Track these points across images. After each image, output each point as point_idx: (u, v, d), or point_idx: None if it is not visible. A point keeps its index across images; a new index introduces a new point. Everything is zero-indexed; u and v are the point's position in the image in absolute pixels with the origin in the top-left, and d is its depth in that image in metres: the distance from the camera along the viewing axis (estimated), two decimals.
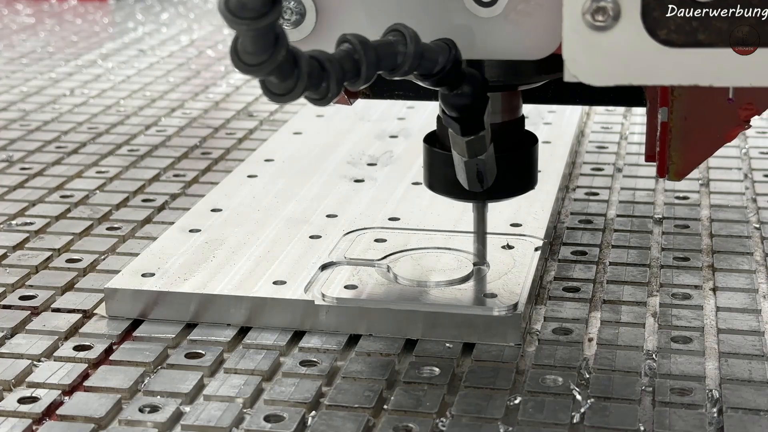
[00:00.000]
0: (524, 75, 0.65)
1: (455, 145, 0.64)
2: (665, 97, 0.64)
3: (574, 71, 0.52)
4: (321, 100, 0.51)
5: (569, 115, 1.07)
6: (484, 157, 0.64)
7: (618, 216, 0.86)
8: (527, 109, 1.10)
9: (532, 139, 0.69)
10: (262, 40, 0.47)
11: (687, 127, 0.64)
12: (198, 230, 0.80)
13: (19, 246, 0.82)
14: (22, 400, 0.61)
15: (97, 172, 0.99)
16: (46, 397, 0.62)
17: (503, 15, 0.59)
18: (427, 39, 0.57)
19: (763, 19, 0.51)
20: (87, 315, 0.72)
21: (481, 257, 0.73)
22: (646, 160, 0.68)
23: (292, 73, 0.49)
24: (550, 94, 0.76)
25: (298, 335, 0.68)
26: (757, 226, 0.84)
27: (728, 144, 1.04)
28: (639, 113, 1.14)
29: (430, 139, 0.68)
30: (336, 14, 0.60)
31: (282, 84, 0.49)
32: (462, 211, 0.83)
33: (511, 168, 0.67)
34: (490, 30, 0.59)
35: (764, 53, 0.51)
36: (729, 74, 0.51)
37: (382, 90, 0.75)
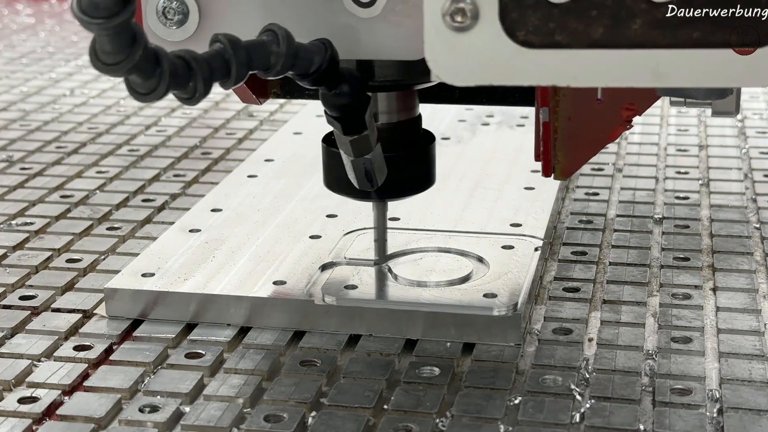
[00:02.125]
0: (414, 75, 0.65)
1: (341, 144, 0.64)
2: (545, 97, 0.64)
3: (436, 71, 0.53)
4: (190, 99, 0.52)
5: None
6: (370, 157, 0.64)
7: (618, 216, 0.86)
8: (526, 108, 1.11)
9: (428, 138, 0.70)
10: (119, 39, 0.48)
11: (571, 128, 0.65)
12: (198, 230, 0.80)
13: (19, 246, 0.82)
14: (22, 400, 0.61)
15: (97, 172, 0.99)
16: (46, 397, 0.62)
17: (382, 16, 0.60)
18: (308, 39, 0.58)
19: (618, 19, 0.51)
20: (87, 315, 0.72)
21: (381, 256, 0.73)
22: (536, 160, 0.68)
23: (154, 72, 0.50)
24: (457, 94, 0.76)
25: (298, 335, 0.68)
26: (757, 226, 0.84)
27: (728, 144, 1.04)
28: None
29: (328, 140, 0.69)
30: (218, 14, 0.61)
31: (145, 83, 0.50)
32: (462, 211, 0.83)
33: (405, 167, 0.68)
34: (370, 31, 0.60)
35: (618, 54, 0.51)
36: (586, 74, 0.52)
37: (292, 89, 0.75)
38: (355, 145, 0.63)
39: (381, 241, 0.73)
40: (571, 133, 0.65)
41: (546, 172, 0.67)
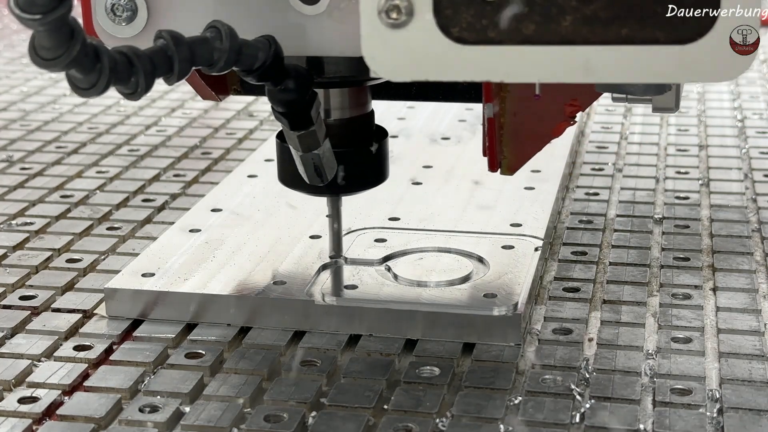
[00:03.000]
0: (362, 71, 0.64)
1: (289, 139, 0.65)
2: (489, 93, 0.65)
3: (374, 67, 0.54)
4: (132, 94, 0.53)
5: None
6: (319, 152, 0.65)
7: (618, 216, 0.86)
8: None
9: (381, 134, 0.71)
10: (57, 34, 0.48)
11: (516, 123, 0.66)
12: (198, 230, 0.80)
13: (19, 246, 0.82)
14: (22, 400, 0.61)
15: (97, 172, 0.99)
16: (46, 397, 0.62)
17: (327, 13, 0.60)
18: (255, 36, 0.58)
19: (548, 16, 0.52)
20: (87, 315, 0.72)
21: (337, 252, 0.74)
22: (483, 155, 0.68)
23: (93, 67, 0.50)
24: (414, 91, 0.77)
25: (298, 335, 0.68)
26: (757, 226, 0.84)
27: (728, 144, 1.04)
28: (639, 113, 1.14)
29: (281, 135, 0.69)
30: (167, 11, 0.61)
31: (85, 78, 0.51)
32: (462, 211, 0.83)
33: (356, 162, 0.69)
34: (315, 27, 0.61)
35: (550, 50, 0.52)
36: (518, 70, 0.53)
37: (253, 87, 0.75)
38: (302, 141, 0.64)
39: (336, 236, 0.74)
40: (516, 128, 0.66)
41: (492, 167, 0.67)
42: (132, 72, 0.52)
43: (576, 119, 0.67)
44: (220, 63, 0.56)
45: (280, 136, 0.69)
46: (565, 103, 0.66)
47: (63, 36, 0.48)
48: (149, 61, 0.53)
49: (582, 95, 0.66)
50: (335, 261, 0.75)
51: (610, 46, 0.52)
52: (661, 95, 0.66)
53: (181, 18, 0.61)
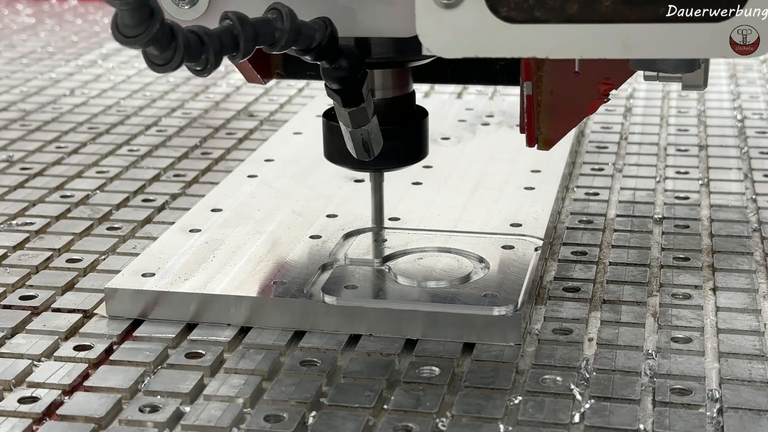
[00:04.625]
0: (409, 52, 0.70)
1: (340, 116, 0.69)
2: (528, 72, 0.69)
3: (427, 45, 0.58)
4: (202, 70, 0.56)
5: None
6: (367, 128, 0.69)
7: (618, 216, 0.86)
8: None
9: (422, 113, 0.74)
10: (138, 14, 0.52)
11: (553, 101, 0.70)
12: (198, 230, 0.80)
13: (20, 246, 0.82)
14: (22, 400, 0.61)
15: (98, 172, 0.99)
16: (47, 397, 0.62)
17: None
18: (309, 18, 0.61)
19: None
20: (87, 315, 0.72)
21: (378, 224, 0.78)
22: (521, 132, 0.73)
23: (169, 44, 0.54)
24: (449, 74, 0.81)
25: (298, 335, 0.68)
26: (757, 226, 0.84)
27: (728, 144, 1.04)
28: (638, 114, 1.14)
29: (328, 114, 0.74)
30: None
31: (161, 55, 0.54)
32: (462, 211, 0.83)
33: (399, 139, 0.73)
34: (366, 9, 0.64)
35: (591, 28, 0.57)
36: (562, 47, 0.57)
37: (295, 70, 0.80)
38: (353, 117, 0.68)
39: (378, 210, 0.78)
40: (552, 106, 0.70)
41: (530, 143, 0.72)
42: (203, 50, 0.55)
43: (609, 97, 0.70)
44: (281, 43, 0.59)
45: (327, 115, 0.73)
46: (599, 81, 0.69)
47: (144, 15, 0.52)
48: (218, 40, 0.56)
49: (616, 73, 0.69)
50: (335, 261, 0.75)
51: (648, 24, 0.56)
52: (691, 73, 0.69)
53: (240, 1, 0.63)
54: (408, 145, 0.74)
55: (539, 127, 0.71)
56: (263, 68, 0.79)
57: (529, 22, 0.57)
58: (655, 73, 0.70)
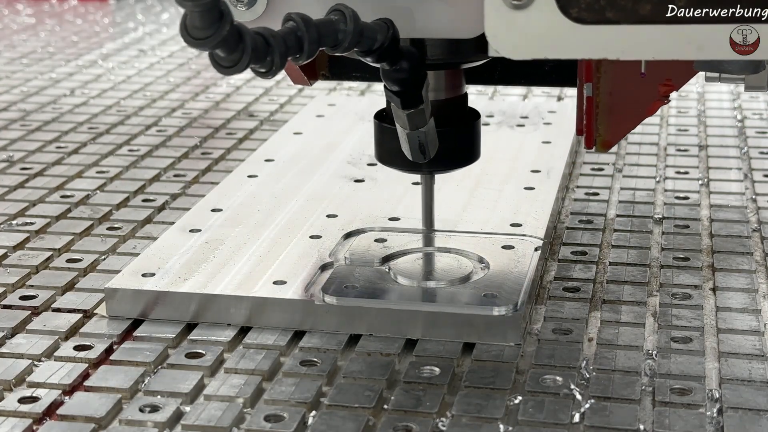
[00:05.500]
0: (465, 54, 0.69)
1: (398, 118, 0.68)
2: (589, 73, 0.69)
3: (495, 46, 0.58)
4: (267, 72, 0.56)
5: (569, 114, 1.07)
6: (425, 129, 0.68)
7: (618, 216, 0.86)
8: (526, 108, 1.11)
9: (474, 115, 0.74)
10: (208, 16, 0.52)
11: (612, 102, 0.70)
12: (198, 230, 0.80)
13: (20, 246, 0.82)
14: (22, 400, 0.61)
15: (98, 172, 0.99)
16: (47, 397, 0.62)
17: None
18: (369, 19, 0.61)
19: None
20: (87, 315, 0.72)
21: (428, 226, 0.77)
22: (577, 134, 0.72)
23: (237, 46, 0.53)
24: (497, 75, 0.81)
25: (298, 335, 0.68)
26: (757, 226, 0.84)
27: (728, 144, 1.04)
28: None
29: (380, 116, 0.73)
30: None
31: (229, 57, 0.54)
32: (462, 211, 0.83)
33: (453, 141, 0.72)
34: (427, 10, 0.63)
35: (663, 29, 0.56)
36: (633, 48, 0.57)
37: (340, 72, 0.80)
38: (411, 119, 0.67)
39: (428, 211, 0.77)
40: (611, 107, 0.70)
41: (588, 144, 0.71)
42: (268, 52, 0.55)
43: (670, 98, 0.70)
44: (343, 44, 0.59)
45: (378, 116, 0.73)
46: (660, 82, 0.69)
47: (214, 17, 0.52)
48: (283, 41, 0.56)
49: (677, 74, 0.69)
50: (335, 261, 0.75)
51: (720, 25, 0.56)
52: (755, 74, 0.69)
53: (297, 2, 0.63)
54: (461, 147, 0.73)
55: (597, 128, 0.70)
56: (309, 69, 0.78)
57: (600, 23, 0.56)
58: (716, 74, 0.70)
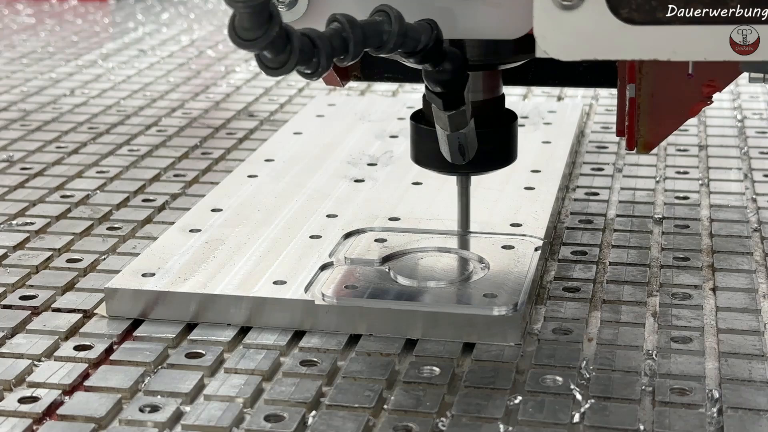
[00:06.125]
0: (504, 54, 0.69)
1: (438, 119, 0.67)
2: (632, 74, 0.68)
3: (544, 47, 0.57)
4: (312, 74, 0.55)
5: (569, 114, 1.07)
6: (465, 131, 0.68)
7: (618, 216, 0.86)
8: (526, 108, 1.11)
9: (511, 117, 0.74)
10: (258, 17, 0.51)
11: (654, 103, 0.69)
12: (198, 230, 0.80)
13: (20, 246, 0.82)
14: (22, 400, 0.61)
15: (98, 172, 0.99)
16: (47, 396, 0.62)
17: None
18: (411, 20, 0.60)
19: None
20: (87, 315, 0.72)
21: (464, 227, 0.77)
22: (617, 135, 0.72)
23: (284, 48, 0.53)
24: (531, 76, 0.80)
25: (298, 335, 0.68)
26: (757, 226, 0.84)
27: (728, 144, 1.04)
28: None
29: (417, 117, 0.73)
30: None
31: (276, 58, 0.53)
32: None
33: (493, 143, 0.72)
34: (470, 11, 0.63)
35: (714, 30, 0.55)
36: (684, 49, 0.56)
37: (372, 72, 0.80)
38: (452, 120, 0.67)
39: (464, 212, 0.77)
40: (653, 108, 0.69)
41: (630, 146, 0.71)
42: (314, 53, 0.55)
43: (713, 100, 0.69)
44: (388, 46, 0.59)
45: (415, 118, 0.73)
46: (703, 83, 0.68)
47: (263, 18, 0.51)
48: (329, 42, 0.55)
49: (721, 75, 0.68)
50: (335, 261, 0.75)
51: None
52: None
53: (338, 3, 0.63)
54: (499, 148, 0.73)
55: (639, 130, 0.70)
56: (341, 70, 0.78)
57: (651, 23, 0.56)
58: (761, 75, 0.70)
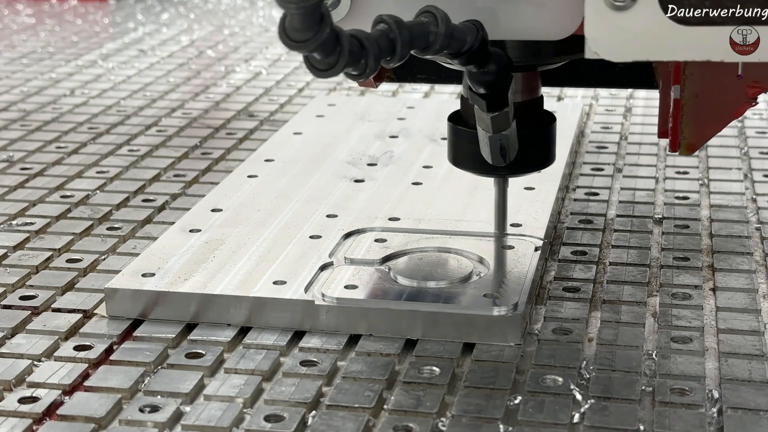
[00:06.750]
0: (545, 55, 0.69)
1: (480, 121, 0.67)
2: (678, 75, 0.68)
3: (595, 48, 0.57)
4: (359, 75, 0.55)
5: (569, 115, 1.07)
6: (507, 133, 0.67)
7: (618, 216, 0.86)
8: None
9: (550, 118, 0.73)
10: (309, 18, 0.50)
11: (698, 105, 0.69)
12: (198, 230, 0.80)
13: (20, 246, 0.82)
14: (22, 400, 0.61)
15: (98, 172, 0.99)
16: (47, 397, 0.62)
17: None
18: (455, 20, 0.60)
19: None
20: (87, 315, 0.72)
21: (501, 229, 0.76)
22: (659, 137, 0.72)
23: (334, 49, 0.52)
24: (566, 77, 0.80)
25: (298, 335, 0.68)
26: (757, 226, 0.84)
27: (728, 144, 1.04)
28: (638, 114, 1.14)
29: (454, 118, 0.72)
30: None
31: (325, 60, 0.53)
32: (462, 211, 0.83)
33: (532, 144, 0.71)
34: (514, 11, 0.62)
35: None
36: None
37: (405, 74, 0.80)
38: (495, 122, 0.66)
39: (501, 214, 0.76)
40: (697, 110, 0.69)
41: (673, 148, 0.70)
42: (362, 54, 0.54)
43: (758, 101, 0.69)
44: (434, 47, 0.58)
45: (452, 119, 0.72)
46: (747, 84, 0.68)
47: (314, 19, 0.51)
48: (377, 44, 0.55)
49: (766, 76, 0.68)
50: (335, 261, 0.75)
51: None
52: None
53: (381, 4, 0.63)
54: (538, 150, 0.73)
55: (682, 131, 0.69)
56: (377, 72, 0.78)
57: (704, 24, 0.55)
58: None
